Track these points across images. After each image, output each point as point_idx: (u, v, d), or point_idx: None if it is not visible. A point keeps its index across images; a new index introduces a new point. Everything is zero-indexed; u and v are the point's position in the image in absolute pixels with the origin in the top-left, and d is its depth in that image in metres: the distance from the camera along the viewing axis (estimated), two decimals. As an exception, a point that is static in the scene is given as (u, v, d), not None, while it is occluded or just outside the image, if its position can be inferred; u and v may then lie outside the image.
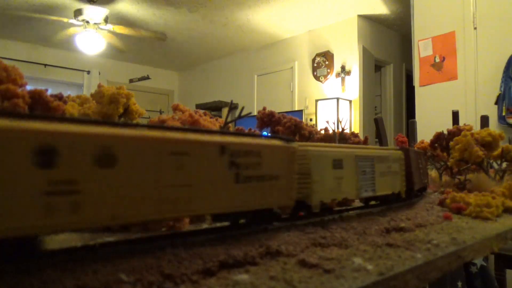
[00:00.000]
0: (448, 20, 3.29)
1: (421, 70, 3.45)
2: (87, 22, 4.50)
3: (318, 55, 5.31)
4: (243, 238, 0.50)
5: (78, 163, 0.32)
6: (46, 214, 0.30)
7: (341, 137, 1.28)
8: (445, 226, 0.70)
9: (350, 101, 4.86)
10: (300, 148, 0.58)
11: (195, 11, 4.84)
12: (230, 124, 0.88)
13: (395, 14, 4.83)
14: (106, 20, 4.58)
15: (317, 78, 5.32)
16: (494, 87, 2.97)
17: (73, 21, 4.53)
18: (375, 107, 5.38)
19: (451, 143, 1.27)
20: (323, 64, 5.24)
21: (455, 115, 1.85)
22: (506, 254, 1.95)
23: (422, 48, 3.44)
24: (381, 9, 4.74)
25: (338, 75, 5.03)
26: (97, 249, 0.40)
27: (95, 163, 0.33)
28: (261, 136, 0.51)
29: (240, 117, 0.72)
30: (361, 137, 1.39)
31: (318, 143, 0.75)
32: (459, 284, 1.59)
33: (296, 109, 5.40)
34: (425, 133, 1.85)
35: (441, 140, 1.43)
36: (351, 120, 4.82)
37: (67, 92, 0.88)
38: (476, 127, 1.91)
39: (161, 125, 0.40)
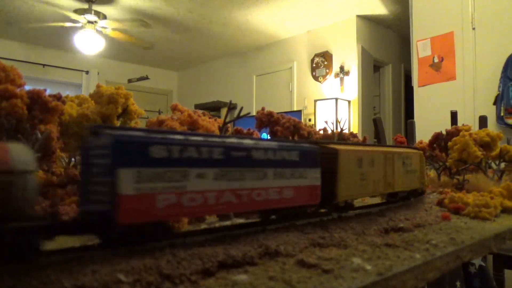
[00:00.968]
0: (446, 20, 3.30)
1: (419, 71, 3.46)
2: (87, 22, 4.49)
3: (317, 55, 5.31)
4: (241, 238, 0.50)
5: (366, 165, 0.76)
6: (360, 188, 0.74)
7: (340, 137, 1.29)
8: (443, 226, 0.70)
9: (349, 101, 4.86)
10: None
11: (195, 11, 4.83)
12: (229, 124, 0.88)
13: (394, 15, 4.84)
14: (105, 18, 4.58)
15: (316, 78, 5.32)
16: (492, 88, 2.97)
17: (72, 21, 4.53)
18: (374, 107, 5.39)
19: (450, 143, 1.27)
20: (322, 64, 5.24)
21: (454, 116, 1.85)
22: (504, 254, 1.95)
23: (420, 49, 3.44)
24: (380, 10, 4.75)
25: (337, 75, 5.03)
26: (96, 249, 0.40)
27: (372, 164, 0.79)
28: (406, 146, 0.90)
29: (239, 117, 0.72)
30: (360, 137, 1.39)
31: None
32: (458, 284, 1.59)
33: (295, 109, 5.40)
34: (423, 133, 1.85)
35: (439, 140, 1.43)
36: (349, 120, 4.82)
37: (65, 92, 0.88)
38: (475, 127, 1.91)
39: (379, 144, 0.88)
